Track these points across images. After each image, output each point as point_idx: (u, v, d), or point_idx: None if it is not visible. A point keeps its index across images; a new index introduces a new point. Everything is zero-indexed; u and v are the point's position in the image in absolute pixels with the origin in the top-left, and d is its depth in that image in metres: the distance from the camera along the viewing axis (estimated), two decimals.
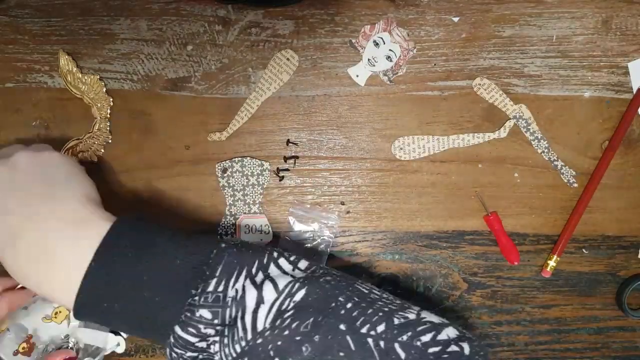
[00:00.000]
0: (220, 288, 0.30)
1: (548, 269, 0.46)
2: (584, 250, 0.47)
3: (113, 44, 0.44)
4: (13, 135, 0.44)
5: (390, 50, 0.45)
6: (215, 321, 0.30)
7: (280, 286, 0.31)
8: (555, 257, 0.46)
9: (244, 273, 0.31)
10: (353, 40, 0.45)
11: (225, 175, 0.45)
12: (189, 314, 0.30)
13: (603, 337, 0.48)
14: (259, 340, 0.29)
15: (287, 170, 0.45)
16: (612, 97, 0.46)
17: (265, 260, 0.33)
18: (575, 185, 0.46)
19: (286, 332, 0.29)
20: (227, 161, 0.45)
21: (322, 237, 0.46)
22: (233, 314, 0.30)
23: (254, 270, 0.32)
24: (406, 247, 0.46)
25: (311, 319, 0.29)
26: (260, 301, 0.30)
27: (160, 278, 0.31)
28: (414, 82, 0.45)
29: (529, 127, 0.46)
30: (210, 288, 0.30)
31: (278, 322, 0.29)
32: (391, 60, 0.45)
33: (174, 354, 0.31)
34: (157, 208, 0.45)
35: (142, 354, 0.46)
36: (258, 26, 0.44)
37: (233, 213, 0.45)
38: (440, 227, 0.46)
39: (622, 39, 0.46)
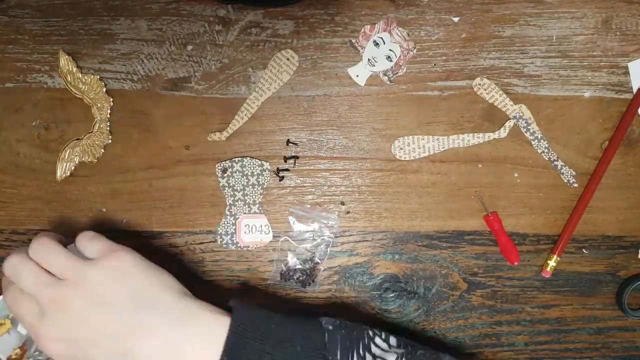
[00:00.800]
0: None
1: (548, 269, 0.46)
2: (584, 250, 0.47)
3: (113, 44, 0.44)
4: (13, 135, 0.44)
5: (390, 50, 0.45)
6: None
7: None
8: (555, 257, 0.46)
9: (355, 354, 0.35)
10: (353, 40, 0.45)
11: (225, 175, 0.45)
12: None
13: (603, 337, 0.48)
14: None
15: (287, 170, 0.45)
16: (612, 97, 0.46)
17: (366, 341, 0.37)
18: (575, 185, 0.46)
19: None
20: (227, 161, 0.45)
21: (322, 237, 0.46)
22: None
23: (361, 350, 0.36)
24: (406, 247, 0.46)
25: None
26: None
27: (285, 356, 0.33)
28: (414, 82, 0.45)
29: (529, 127, 0.46)
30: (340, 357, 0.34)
31: None
32: (391, 60, 0.45)
33: None
34: (157, 208, 0.45)
35: None
36: (258, 26, 0.44)
37: (233, 213, 0.45)
38: (440, 227, 0.46)
39: (622, 39, 0.46)
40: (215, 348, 0.32)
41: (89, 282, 0.33)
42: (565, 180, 0.46)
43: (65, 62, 0.43)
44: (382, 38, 0.45)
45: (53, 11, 0.44)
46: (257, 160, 0.45)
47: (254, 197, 0.45)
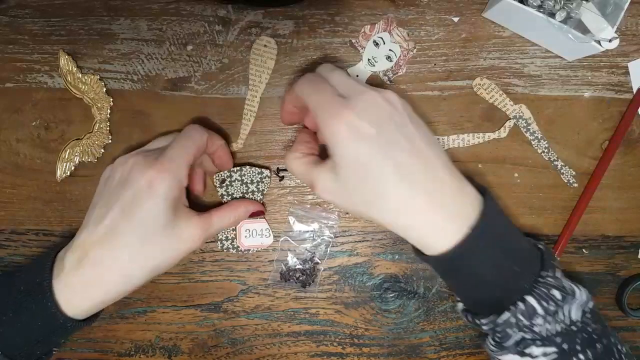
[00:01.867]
0: (560, 276, 0.36)
1: None
2: (584, 250, 0.47)
3: (113, 44, 0.44)
4: (13, 135, 0.44)
5: (390, 50, 0.45)
6: (561, 303, 0.34)
7: (587, 293, 0.37)
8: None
9: (561, 271, 0.37)
10: (353, 40, 0.45)
11: (224, 185, 0.44)
12: (545, 290, 0.34)
13: None
14: (573, 328, 0.35)
15: (287, 170, 0.45)
16: (612, 97, 0.46)
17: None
18: (575, 185, 0.46)
19: (589, 329, 0.35)
20: (224, 172, 0.44)
21: (322, 237, 0.46)
22: (564, 299, 0.35)
23: (562, 271, 0.37)
24: (406, 247, 0.46)
25: (599, 325, 0.36)
26: (579, 298, 0.35)
27: (519, 252, 0.35)
28: (414, 82, 0.45)
29: (529, 127, 0.46)
30: (557, 274, 0.35)
31: (583, 318, 0.36)
32: (391, 60, 0.45)
33: (513, 319, 0.34)
34: None
35: (142, 353, 0.46)
36: (258, 26, 0.44)
37: None
38: None
39: (623, 39, 0.46)
40: (473, 211, 0.34)
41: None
42: (565, 180, 0.46)
43: (65, 62, 0.43)
44: (382, 38, 0.45)
45: (53, 11, 0.44)
46: (256, 168, 0.44)
47: None
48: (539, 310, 0.34)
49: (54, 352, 0.38)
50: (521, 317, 0.34)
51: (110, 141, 0.44)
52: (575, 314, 0.35)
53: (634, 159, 0.47)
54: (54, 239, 0.45)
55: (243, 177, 0.44)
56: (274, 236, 0.45)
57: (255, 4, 0.44)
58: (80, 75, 0.44)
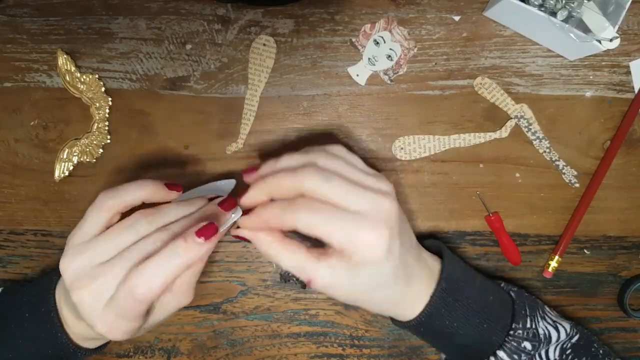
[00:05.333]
0: (533, 325, 0.38)
1: (549, 269, 0.46)
2: (585, 250, 0.47)
3: (112, 43, 0.44)
4: (11, 135, 0.44)
5: (390, 49, 0.45)
6: (532, 352, 0.37)
7: (567, 329, 0.39)
8: (556, 257, 0.46)
9: (539, 314, 0.39)
10: (353, 39, 0.45)
11: None
12: (515, 344, 0.37)
13: (604, 337, 0.48)
14: None
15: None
16: (614, 97, 0.46)
17: (541, 305, 0.41)
18: (577, 185, 0.46)
19: None
20: None
21: None
22: (538, 347, 0.37)
23: (540, 312, 0.40)
24: None
25: (583, 359, 0.38)
26: (556, 339, 0.38)
27: (487, 307, 0.37)
28: (415, 81, 0.45)
29: (530, 127, 0.45)
30: (528, 325, 0.38)
31: (563, 357, 0.38)
32: (392, 60, 0.45)
33: None
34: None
35: (140, 354, 0.46)
36: (257, 25, 0.44)
37: None
38: (441, 228, 0.46)
39: (624, 39, 0.45)
40: (433, 279, 0.37)
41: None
42: (567, 181, 0.46)
43: (63, 61, 0.43)
44: (382, 37, 0.44)
45: (51, 10, 0.43)
46: None
47: None
48: None
49: None
50: None
51: (108, 141, 0.44)
52: (553, 354, 0.38)
53: (635, 159, 0.46)
54: (53, 239, 0.45)
55: None
56: None
57: (255, 3, 0.44)
58: (78, 75, 0.43)
